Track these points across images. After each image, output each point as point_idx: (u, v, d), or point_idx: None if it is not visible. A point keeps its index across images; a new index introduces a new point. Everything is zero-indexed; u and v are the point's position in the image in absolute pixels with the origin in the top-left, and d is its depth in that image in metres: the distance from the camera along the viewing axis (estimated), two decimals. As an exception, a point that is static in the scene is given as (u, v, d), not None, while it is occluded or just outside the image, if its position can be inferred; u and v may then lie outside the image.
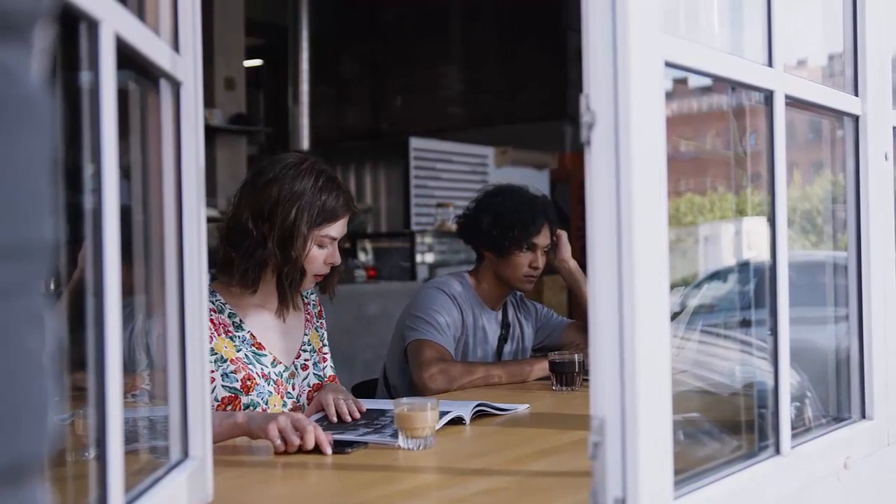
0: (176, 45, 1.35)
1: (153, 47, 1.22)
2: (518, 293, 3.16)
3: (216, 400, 2.18)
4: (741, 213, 1.84)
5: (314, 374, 2.40)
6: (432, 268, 7.14)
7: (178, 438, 1.37)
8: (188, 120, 1.37)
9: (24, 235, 0.60)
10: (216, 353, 2.20)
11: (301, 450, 1.84)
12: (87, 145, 0.98)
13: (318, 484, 1.78)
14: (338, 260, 2.32)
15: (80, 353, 0.99)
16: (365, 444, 1.93)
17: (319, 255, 2.28)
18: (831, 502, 1.68)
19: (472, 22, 9.44)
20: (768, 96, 1.50)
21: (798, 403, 1.69)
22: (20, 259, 0.60)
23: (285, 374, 2.32)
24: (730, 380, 1.91)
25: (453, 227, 5.04)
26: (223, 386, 2.20)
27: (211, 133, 6.76)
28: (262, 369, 2.27)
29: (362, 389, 3.11)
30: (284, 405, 2.29)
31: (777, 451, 1.49)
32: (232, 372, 2.21)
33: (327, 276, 2.34)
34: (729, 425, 1.67)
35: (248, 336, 2.28)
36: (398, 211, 7.94)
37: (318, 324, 2.49)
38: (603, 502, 1.12)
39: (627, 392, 1.11)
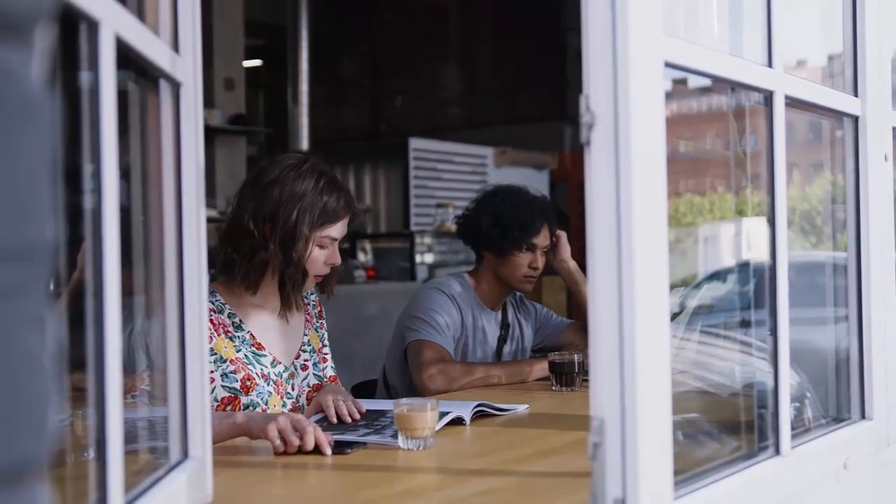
0: (176, 46, 1.35)
1: (153, 48, 1.22)
2: (518, 294, 3.16)
3: (216, 400, 2.18)
4: (741, 213, 1.84)
5: (314, 374, 2.40)
6: (432, 268, 7.14)
7: (177, 439, 1.37)
8: (188, 120, 1.37)
9: (24, 236, 0.60)
10: (216, 354, 2.20)
11: (301, 450, 1.84)
12: (87, 146, 0.98)
13: (318, 484, 1.78)
14: (338, 260, 2.32)
15: (79, 354, 0.99)
16: (364, 444, 1.93)
17: (320, 256, 2.28)
18: (831, 503, 1.68)
19: (472, 22, 9.44)
20: (768, 97, 1.50)
21: (798, 404, 1.69)
22: (21, 260, 0.60)
23: (285, 375, 2.32)
24: (729, 380, 1.91)
25: (453, 227, 5.04)
26: (223, 386, 2.20)
27: (210, 133, 6.75)
28: (261, 370, 2.27)
29: (362, 390, 3.11)
30: (284, 405, 2.29)
31: (777, 451, 1.49)
32: (231, 372, 2.21)
33: (327, 276, 2.34)
34: (729, 426, 1.67)
35: (247, 336, 2.28)
36: (397, 211, 7.94)
37: (318, 324, 2.49)
38: (602, 503, 1.12)
39: (627, 392, 1.11)
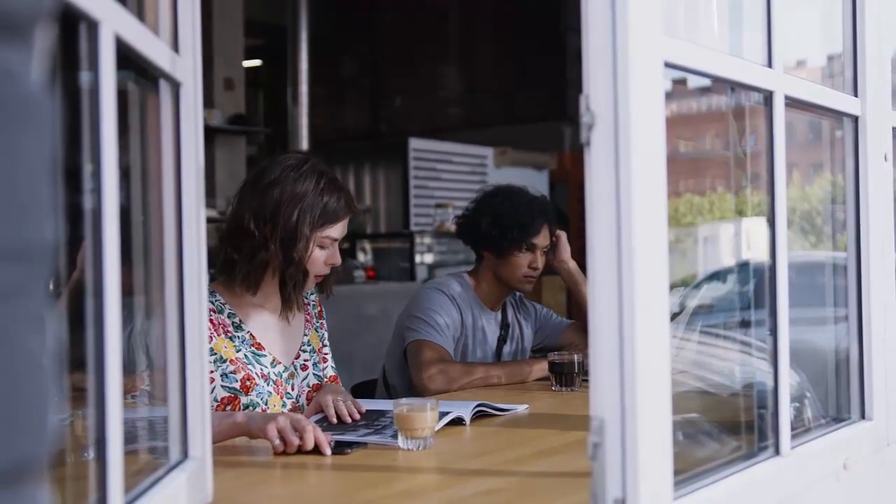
0: (175, 46, 1.35)
1: (153, 48, 1.22)
2: (517, 294, 3.16)
3: (215, 400, 2.18)
4: (740, 213, 1.84)
5: (314, 374, 2.40)
6: (431, 268, 7.14)
7: (177, 439, 1.37)
8: (188, 120, 1.37)
9: (24, 236, 0.60)
10: (215, 354, 2.20)
11: (300, 450, 1.84)
12: (87, 146, 0.98)
13: (318, 484, 1.78)
14: (338, 260, 2.33)
15: (79, 354, 0.99)
16: (364, 444, 1.93)
17: (321, 256, 2.29)
18: (831, 503, 1.68)
19: (471, 22, 9.44)
20: (768, 97, 1.50)
21: (798, 404, 1.69)
22: (21, 260, 0.60)
23: (285, 375, 2.32)
24: (729, 380, 1.91)
25: (452, 227, 5.04)
26: (222, 386, 2.20)
27: (210, 133, 6.75)
28: (261, 370, 2.27)
29: (362, 390, 3.11)
30: (284, 405, 2.29)
31: (777, 451, 1.49)
32: (231, 372, 2.21)
33: (326, 276, 2.35)
34: (728, 426, 1.67)
35: (247, 336, 2.28)
36: (397, 211, 7.94)
37: (319, 324, 2.49)
38: (602, 503, 1.12)
39: (627, 393, 1.11)
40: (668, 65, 1.20)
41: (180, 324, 1.37)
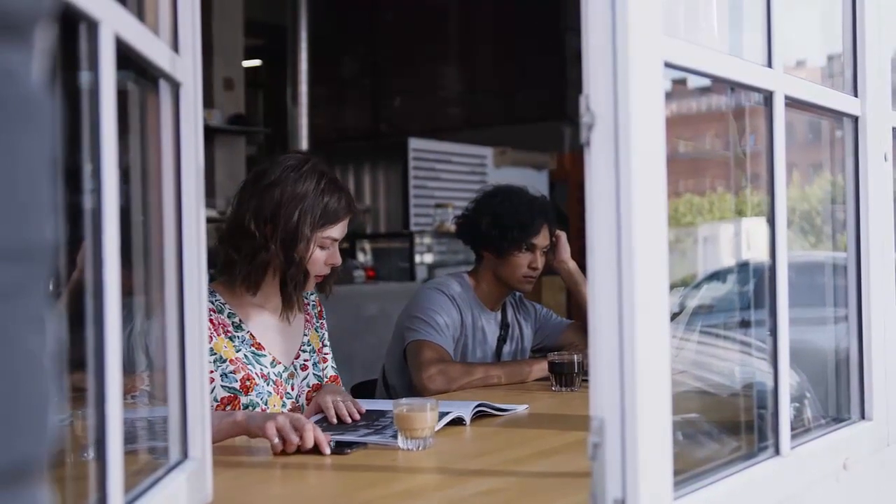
0: (175, 46, 1.35)
1: (152, 48, 1.22)
2: (517, 294, 3.16)
3: (215, 400, 2.18)
4: (740, 213, 1.84)
5: (314, 374, 2.40)
6: (431, 268, 7.14)
7: (177, 439, 1.37)
8: (187, 120, 1.37)
9: (24, 236, 0.60)
10: (215, 354, 2.20)
11: (300, 450, 1.84)
12: (87, 146, 0.98)
13: (318, 484, 1.78)
14: (339, 261, 2.33)
15: (79, 354, 0.99)
16: (364, 444, 1.93)
17: (321, 257, 2.29)
18: (831, 503, 1.68)
19: (472, 22, 9.44)
20: (768, 97, 1.50)
21: (797, 404, 1.69)
22: (21, 260, 0.60)
23: (284, 375, 2.32)
24: (729, 380, 1.91)
25: (452, 227, 5.03)
26: (222, 386, 2.20)
27: (210, 133, 6.75)
28: (261, 369, 2.27)
29: (361, 390, 3.11)
30: (284, 405, 2.29)
31: (777, 451, 1.49)
32: (231, 372, 2.21)
33: (326, 276, 2.35)
34: (728, 426, 1.67)
35: (247, 336, 2.28)
36: (397, 211, 7.94)
37: (319, 324, 2.50)
38: (602, 503, 1.12)
39: (627, 393, 1.11)
40: (668, 65, 1.20)
41: (180, 324, 1.37)
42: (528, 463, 1.83)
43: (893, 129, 1.89)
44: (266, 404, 2.24)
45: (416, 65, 9.42)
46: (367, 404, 2.25)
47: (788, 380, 1.51)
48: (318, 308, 2.51)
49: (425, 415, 1.87)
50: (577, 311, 3.19)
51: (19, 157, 0.60)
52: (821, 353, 1.91)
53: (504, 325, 3.11)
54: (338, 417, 2.12)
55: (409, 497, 1.61)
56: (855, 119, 1.80)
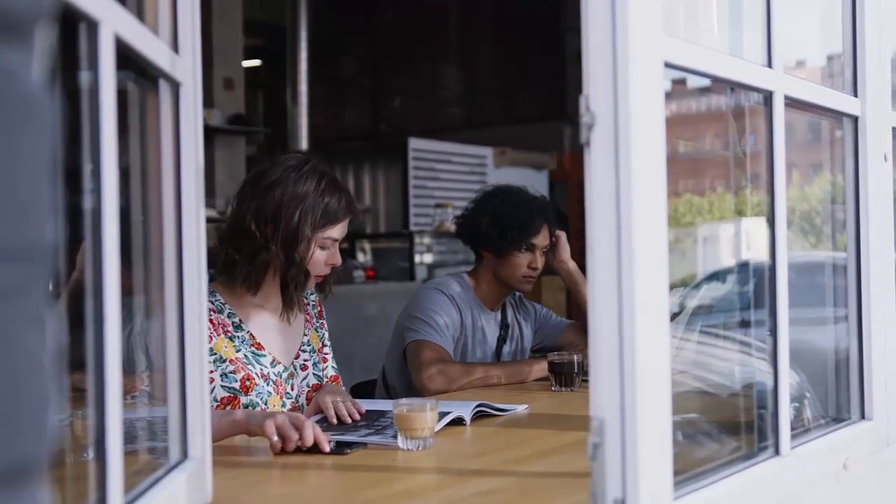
0: (175, 46, 1.35)
1: (152, 48, 1.21)
2: (517, 294, 3.16)
3: (215, 400, 2.18)
4: (740, 213, 1.84)
5: (314, 374, 2.40)
6: (431, 268, 7.14)
7: (177, 439, 1.37)
8: (187, 120, 1.37)
9: (24, 236, 0.60)
10: (215, 354, 2.20)
11: (300, 450, 1.84)
12: (87, 146, 0.98)
13: (318, 484, 1.78)
14: (339, 261, 2.33)
15: (79, 354, 0.99)
16: (364, 444, 1.93)
17: (322, 257, 2.29)
18: (831, 503, 1.68)
19: (472, 22, 9.44)
20: (767, 97, 1.50)
21: (797, 404, 1.69)
22: (21, 260, 0.60)
23: (284, 375, 2.32)
24: (729, 380, 1.91)
25: (452, 227, 5.03)
26: (222, 386, 2.20)
27: (209, 133, 6.75)
28: (261, 369, 2.27)
29: (361, 390, 3.11)
30: (283, 405, 2.29)
31: (776, 451, 1.49)
32: (231, 372, 2.21)
33: (325, 276, 2.35)
34: (728, 426, 1.67)
35: (247, 336, 2.28)
36: (397, 211, 7.94)
37: (319, 324, 2.50)
38: (602, 503, 1.12)
39: (627, 393, 1.11)
40: (668, 65, 1.20)
41: (180, 324, 1.37)
42: (528, 463, 1.83)
43: (893, 129, 1.89)
44: (266, 404, 2.24)
45: (416, 65, 9.42)
46: (366, 404, 2.25)
47: (788, 380, 1.51)
48: (319, 308, 2.51)
49: (425, 415, 1.87)
50: (576, 311, 3.19)
51: (19, 157, 0.60)
52: (821, 353, 1.91)
53: (504, 326, 3.11)
54: (338, 418, 2.12)
55: (409, 497, 1.61)
56: (855, 119, 1.80)
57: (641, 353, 1.11)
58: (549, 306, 3.51)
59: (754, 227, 1.70)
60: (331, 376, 2.48)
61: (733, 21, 1.77)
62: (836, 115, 1.80)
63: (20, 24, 0.60)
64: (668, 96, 1.21)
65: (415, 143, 7.87)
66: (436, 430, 1.94)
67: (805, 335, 1.72)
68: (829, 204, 1.95)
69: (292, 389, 2.33)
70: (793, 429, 1.53)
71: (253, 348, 2.28)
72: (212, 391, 2.17)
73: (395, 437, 1.90)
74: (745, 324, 1.79)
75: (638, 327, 1.11)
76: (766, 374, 1.54)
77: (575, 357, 2.68)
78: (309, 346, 2.42)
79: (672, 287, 1.23)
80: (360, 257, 7.26)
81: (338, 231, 2.30)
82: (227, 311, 2.28)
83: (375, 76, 9.82)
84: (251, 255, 2.24)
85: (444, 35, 9.52)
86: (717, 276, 2.44)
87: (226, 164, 7.17)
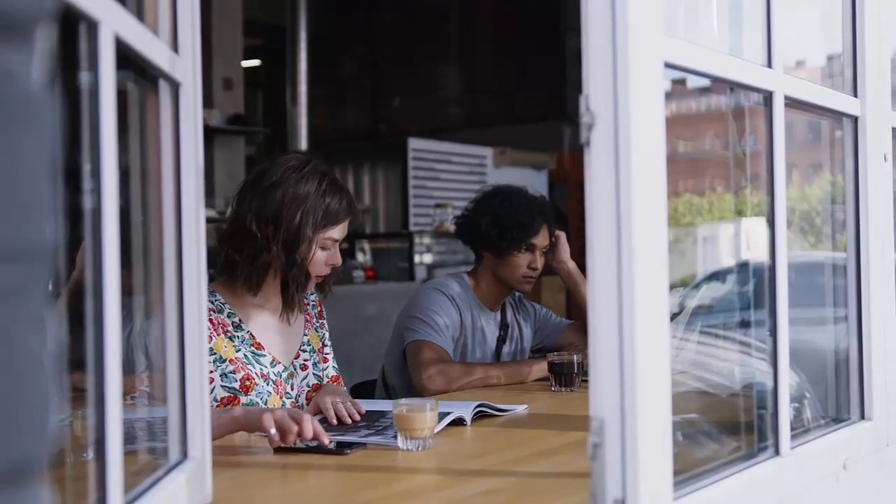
0: (175, 46, 1.35)
1: (152, 48, 1.21)
2: (517, 294, 3.16)
3: (215, 400, 2.18)
4: (740, 213, 1.84)
5: (314, 374, 2.40)
6: (431, 268, 7.14)
7: (177, 439, 1.37)
8: (187, 120, 1.37)
9: (24, 236, 0.60)
10: (215, 353, 2.20)
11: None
12: (86, 146, 0.98)
13: (318, 485, 1.78)
14: (339, 261, 2.33)
15: (79, 354, 0.99)
16: (364, 444, 1.93)
17: (322, 258, 2.29)
18: (831, 503, 1.68)
19: (472, 22, 9.44)
20: (767, 97, 1.50)
21: (797, 404, 1.69)
22: (21, 260, 0.60)
23: (284, 375, 2.32)
24: (729, 381, 1.91)
25: (452, 227, 5.03)
26: (222, 386, 2.20)
27: (209, 133, 6.75)
28: (261, 369, 2.27)
29: (361, 390, 3.11)
30: (283, 405, 2.29)
31: (776, 451, 1.49)
32: (231, 372, 2.21)
33: (326, 276, 2.35)
34: (728, 426, 1.67)
35: (247, 336, 2.28)
36: (396, 211, 7.94)
37: (319, 324, 2.50)
38: (602, 503, 1.12)
39: (627, 393, 1.11)
40: (668, 65, 1.20)
41: (180, 324, 1.37)
42: (528, 463, 1.83)
43: (893, 129, 1.89)
44: (266, 404, 2.24)
45: (416, 65, 9.42)
46: (366, 404, 2.25)
47: (788, 380, 1.51)
48: (319, 308, 2.51)
49: (425, 415, 1.87)
50: (576, 311, 3.19)
51: (19, 157, 0.60)
52: (821, 353, 1.91)
53: (503, 326, 3.11)
54: (338, 418, 2.12)
55: (409, 497, 1.61)
56: (855, 119, 1.80)
57: (641, 353, 1.11)
58: (548, 306, 3.51)
59: (754, 227, 1.70)
60: (332, 376, 2.48)
61: (733, 21, 1.77)
62: (836, 116, 1.80)
63: (20, 24, 0.60)
64: (668, 96, 1.21)
65: (414, 144, 7.86)
66: (436, 430, 1.94)
67: (805, 335, 1.72)
68: (829, 204, 1.95)
69: (292, 389, 2.33)
70: (793, 429, 1.53)
71: (253, 348, 2.28)
72: (212, 391, 2.17)
73: (395, 437, 1.90)
74: (745, 324, 1.79)
75: (638, 327, 1.11)
76: (765, 374, 1.54)
77: (575, 357, 2.68)
78: (309, 345, 2.42)
79: (672, 287, 1.23)
80: (360, 257, 7.26)
81: (338, 232, 2.30)
82: (226, 311, 2.28)
83: (375, 76, 9.82)
84: (252, 255, 2.24)
85: (444, 35, 9.53)
86: (717, 276, 2.44)
87: (225, 165, 7.17)
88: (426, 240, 7.28)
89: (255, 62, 9.47)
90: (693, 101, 1.72)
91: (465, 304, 2.98)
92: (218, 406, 2.18)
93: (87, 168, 0.98)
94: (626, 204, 1.11)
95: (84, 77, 0.97)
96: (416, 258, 7.18)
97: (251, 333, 2.29)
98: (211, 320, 2.22)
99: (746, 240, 1.89)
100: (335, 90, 9.72)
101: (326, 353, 2.49)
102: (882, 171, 1.83)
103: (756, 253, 1.70)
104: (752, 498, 1.42)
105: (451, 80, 9.58)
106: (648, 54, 1.15)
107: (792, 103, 1.55)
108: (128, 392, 1.26)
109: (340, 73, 9.86)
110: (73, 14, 0.92)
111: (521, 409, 2.36)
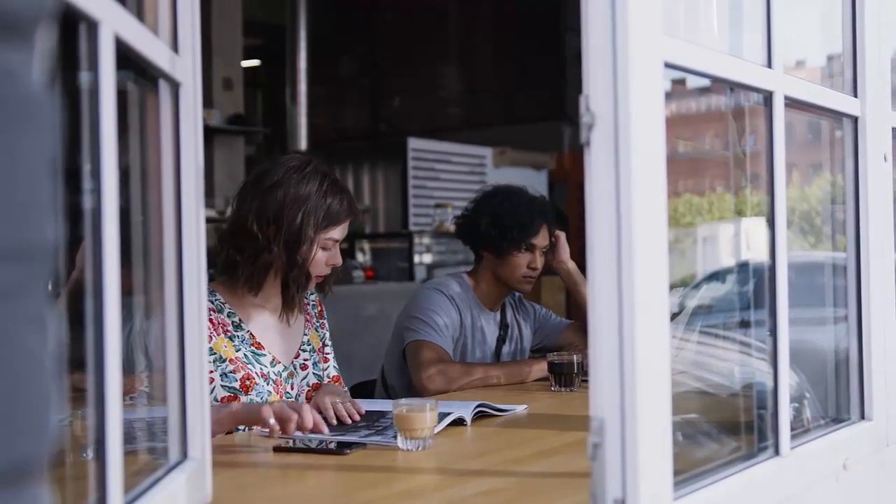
0: (175, 46, 1.35)
1: (152, 48, 1.21)
2: (516, 294, 3.16)
3: (215, 400, 2.18)
4: (740, 213, 1.84)
5: (313, 373, 2.40)
6: (430, 268, 7.14)
7: (177, 439, 1.37)
8: (187, 120, 1.37)
9: (24, 236, 0.60)
10: (215, 353, 2.21)
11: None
12: (86, 146, 0.98)
13: (318, 485, 1.78)
14: (340, 261, 2.33)
15: (79, 354, 0.99)
16: (364, 444, 1.93)
17: (323, 258, 2.29)
18: (831, 503, 1.68)
19: (472, 22, 9.44)
20: (767, 97, 1.50)
21: (797, 404, 1.69)
22: (21, 260, 0.60)
23: (284, 374, 2.32)
24: (729, 381, 1.91)
25: (451, 227, 5.03)
26: (222, 386, 2.20)
27: (209, 133, 6.75)
28: (261, 369, 2.27)
29: (361, 390, 3.11)
30: (283, 406, 2.29)
31: (776, 451, 1.49)
32: (231, 372, 2.22)
33: (326, 276, 2.35)
34: (728, 426, 1.67)
35: (247, 336, 2.29)
36: (396, 211, 7.94)
37: (319, 324, 2.50)
38: (602, 503, 1.12)
39: (627, 393, 1.11)
40: (668, 65, 1.20)
41: (180, 324, 1.37)
42: (528, 463, 1.83)
43: (893, 129, 1.89)
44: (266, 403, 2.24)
45: (416, 65, 9.42)
46: (366, 404, 2.25)
47: (788, 380, 1.51)
48: (319, 308, 2.51)
49: (425, 415, 1.87)
50: (576, 311, 3.19)
51: (19, 157, 0.60)
52: (821, 353, 1.91)
53: (503, 326, 3.11)
54: (337, 418, 2.12)
55: (409, 497, 1.61)
56: (855, 119, 1.80)
57: (641, 353, 1.11)
58: (548, 306, 3.51)
59: (754, 227, 1.70)
60: (332, 376, 2.48)
61: (733, 21, 1.77)
62: (836, 116, 1.80)
63: (20, 24, 0.60)
64: (668, 96, 1.21)
65: (414, 143, 7.86)
66: (436, 430, 1.94)
67: (805, 335, 1.72)
68: (829, 204, 1.95)
69: (292, 389, 2.33)
70: (792, 429, 1.53)
71: (253, 348, 2.28)
72: (212, 391, 2.18)
73: (395, 437, 1.90)
74: (744, 324, 1.79)
75: (638, 327, 1.11)
76: (765, 374, 1.54)
77: (574, 357, 2.68)
78: (309, 345, 2.43)
79: (672, 287, 1.23)
80: (360, 257, 7.26)
81: (339, 232, 2.30)
82: (226, 311, 2.28)
83: (375, 76, 9.82)
84: (253, 255, 2.24)
85: (444, 35, 9.53)
86: (717, 276, 2.44)
87: (225, 165, 7.17)
88: (426, 240, 7.28)
89: (255, 62, 9.47)
90: (693, 101, 1.72)
91: (464, 304, 2.98)
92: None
93: (87, 168, 0.98)
94: (626, 204, 1.11)
95: (84, 77, 0.97)
96: (416, 258, 7.18)
97: (251, 333, 2.29)
98: (211, 320, 2.22)
99: (746, 240, 1.89)
100: (335, 90, 9.72)
101: (327, 353, 2.49)
102: (882, 171, 1.83)
103: (756, 253, 1.70)
104: (752, 498, 1.42)
105: (451, 80, 9.58)
106: (648, 54, 1.15)
107: (792, 103, 1.55)
108: (128, 392, 1.26)
109: (340, 73, 9.86)
110: (73, 14, 0.92)
111: (520, 409, 2.36)
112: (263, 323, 2.33)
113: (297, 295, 2.30)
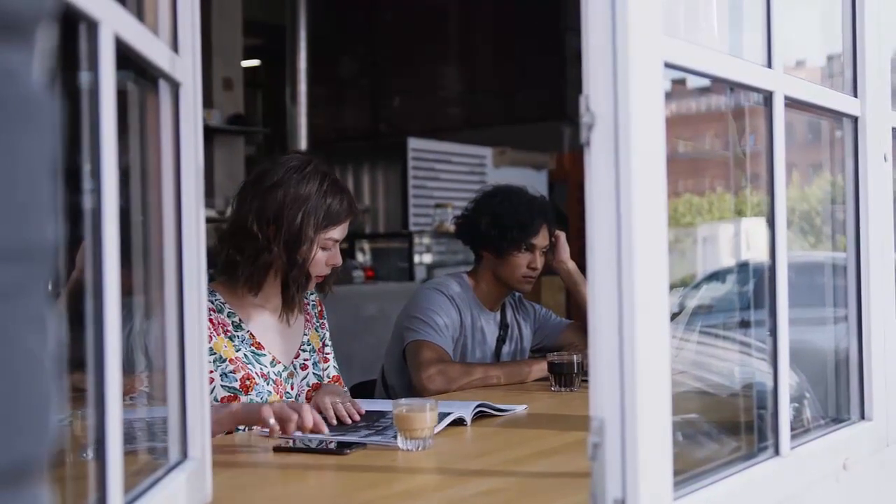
0: (175, 46, 1.35)
1: (152, 48, 1.21)
2: (516, 294, 3.16)
3: (215, 400, 2.18)
4: (740, 213, 1.84)
5: (313, 373, 2.40)
6: (430, 268, 7.14)
7: (177, 439, 1.37)
8: (187, 120, 1.37)
9: (24, 236, 0.60)
10: (215, 353, 2.21)
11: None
12: (86, 146, 0.98)
13: (318, 485, 1.78)
14: (339, 261, 2.33)
15: (79, 354, 0.99)
16: (364, 444, 1.93)
17: (323, 258, 2.29)
18: (831, 503, 1.68)
19: (472, 22, 9.44)
20: (767, 97, 1.50)
21: (797, 404, 1.69)
22: (21, 260, 0.60)
23: (284, 374, 2.32)
24: (729, 381, 1.91)
25: (451, 227, 5.03)
26: (222, 386, 2.20)
27: (209, 133, 6.75)
28: (261, 369, 2.27)
29: (361, 390, 3.11)
30: (283, 406, 2.29)
31: (776, 452, 1.49)
32: (231, 372, 2.22)
33: (326, 276, 2.35)
34: (728, 426, 1.67)
35: (247, 336, 2.29)
36: (396, 211, 7.94)
37: (319, 323, 2.50)
38: (602, 503, 1.12)
39: (627, 393, 1.11)
40: (668, 65, 1.20)
41: (179, 324, 1.37)
42: (528, 463, 1.83)
43: (893, 129, 1.89)
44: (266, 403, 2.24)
45: (416, 65, 9.42)
46: (366, 404, 2.25)
47: (788, 380, 1.51)
48: (319, 308, 2.51)
49: (425, 415, 1.87)
50: (576, 311, 3.19)
51: (19, 157, 0.60)
52: (821, 353, 1.91)
53: (503, 326, 3.11)
54: (337, 418, 2.12)
55: (409, 497, 1.61)
56: (855, 119, 1.80)
57: (641, 353, 1.11)
58: (548, 306, 3.51)
59: (754, 227, 1.70)
60: (332, 376, 2.48)
61: (733, 21, 1.77)
62: (836, 116, 1.80)
63: (20, 24, 0.60)
64: (668, 96, 1.21)
65: (414, 143, 7.86)
66: (436, 430, 1.94)
67: (805, 335, 1.72)
68: (829, 204, 1.95)
69: (292, 389, 2.33)
70: (792, 429, 1.53)
71: (253, 348, 2.28)
72: (212, 391, 2.18)
73: (395, 437, 1.90)
74: (744, 324, 1.79)
75: (638, 327, 1.11)
76: (765, 374, 1.54)
77: (574, 357, 2.68)
78: (309, 345, 2.43)
79: (672, 287, 1.23)
80: (360, 257, 7.26)
81: (339, 232, 2.30)
82: (226, 311, 2.28)
83: (375, 76, 9.82)
84: (253, 255, 2.24)
85: (444, 35, 9.53)
86: (717, 276, 2.44)
87: (225, 165, 7.17)
88: (426, 240, 7.28)
89: (255, 62, 9.47)
90: (693, 101, 1.72)
91: (464, 304, 2.98)
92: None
93: (87, 168, 0.98)
94: (626, 204, 1.11)
95: (84, 77, 0.97)
96: (416, 258, 7.18)
97: (251, 333, 2.29)
98: (211, 320, 2.22)
99: (746, 240, 1.89)
100: (335, 90, 9.72)
101: (327, 353, 2.49)
102: (882, 171, 1.83)
103: (756, 253, 1.70)
104: (752, 498, 1.42)
105: (451, 80, 9.58)
106: (648, 54, 1.15)
107: (792, 103, 1.55)
108: (128, 392, 1.26)
109: (340, 73, 9.86)
110: (73, 14, 0.92)
111: (520, 409, 2.36)
112: (263, 323, 2.33)
113: (297, 295, 2.30)
